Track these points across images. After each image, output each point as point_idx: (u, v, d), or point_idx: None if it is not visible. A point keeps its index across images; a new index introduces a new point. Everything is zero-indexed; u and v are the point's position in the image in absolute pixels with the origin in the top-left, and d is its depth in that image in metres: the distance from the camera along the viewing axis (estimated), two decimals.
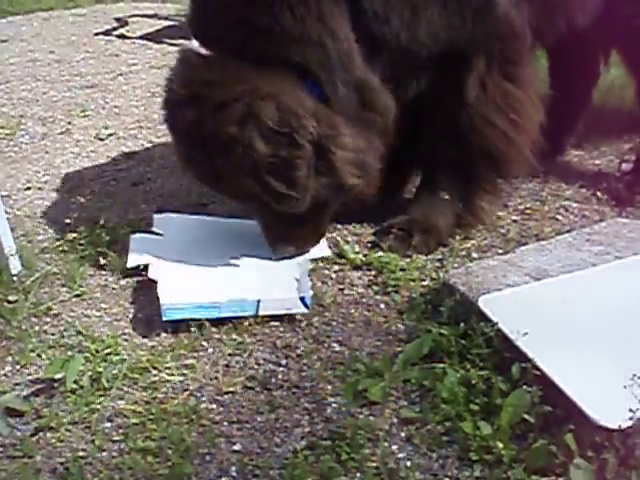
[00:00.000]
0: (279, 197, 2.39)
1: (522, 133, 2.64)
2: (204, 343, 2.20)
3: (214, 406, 1.99)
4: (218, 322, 2.24)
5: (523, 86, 2.64)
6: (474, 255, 2.54)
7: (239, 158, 2.34)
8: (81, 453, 1.88)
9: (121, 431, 1.94)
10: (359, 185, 2.51)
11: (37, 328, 2.30)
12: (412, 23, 2.46)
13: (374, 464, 1.81)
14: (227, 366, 2.11)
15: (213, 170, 2.41)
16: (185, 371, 2.10)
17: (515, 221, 2.72)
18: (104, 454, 1.88)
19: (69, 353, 2.17)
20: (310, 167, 2.40)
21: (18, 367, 2.16)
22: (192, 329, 2.22)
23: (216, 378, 2.07)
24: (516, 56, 2.60)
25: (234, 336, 2.21)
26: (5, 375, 2.14)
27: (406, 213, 2.71)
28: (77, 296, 2.44)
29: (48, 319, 2.34)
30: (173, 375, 2.09)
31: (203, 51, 2.43)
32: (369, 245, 2.62)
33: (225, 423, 1.93)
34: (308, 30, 2.38)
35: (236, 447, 1.87)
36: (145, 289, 2.40)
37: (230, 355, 2.15)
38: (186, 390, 2.04)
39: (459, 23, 2.49)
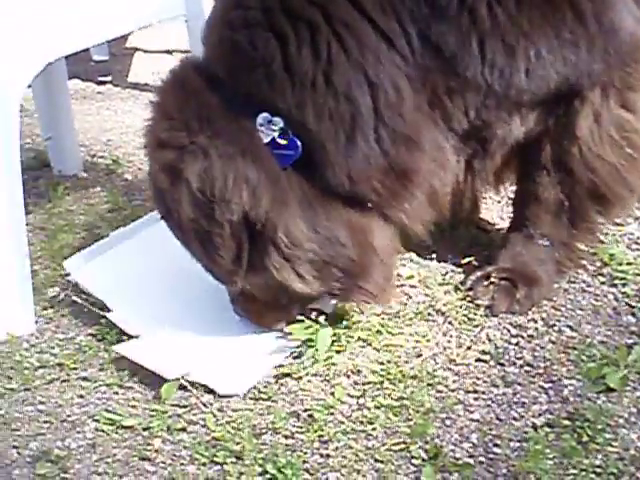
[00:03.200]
0: (204, 267, 2.11)
1: (637, 170, 2.30)
2: (432, 312, 2.25)
3: (448, 374, 2.03)
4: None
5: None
6: None
7: (169, 208, 2.06)
8: (322, 403, 1.97)
9: (358, 387, 2.01)
10: (318, 289, 2.09)
11: None
12: (508, 67, 2.06)
13: (615, 449, 1.81)
14: (458, 337, 2.15)
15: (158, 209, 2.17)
16: (417, 338, 2.15)
17: None
18: (344, 406, 1.96)
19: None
20: (241, 251, 2.02)
21: None
22: (419, 298, 2.30)
23: (449, 348, 2.11)
24: (637, 82, 2.22)
25: (463, 310, 2.25)
26: None
27: (496, 260, 2.35)
28: None
29: None
30: (407, 341, 2.14)
31: (201, 67, 2.11)
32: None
33: (461, 392, 1.97)
34: (334, 77, 1.97)
35: (474, 416, 1.91)
36: None
37: (461, 328, 2.19)
38: (419, 356, 2.09)
39: (573, 56, 2.10)
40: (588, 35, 2.08)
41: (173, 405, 2.01)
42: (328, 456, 1.82)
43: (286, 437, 1.87)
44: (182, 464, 1.84)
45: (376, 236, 2.12)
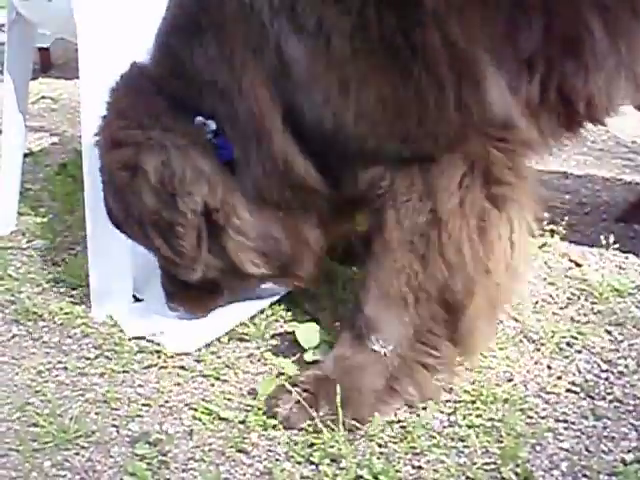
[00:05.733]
0: (164, 258, 2.18)
1: (508, 279, 2.00)
2: (523, 339, 2.28)
3: (539, 401, 2.05)
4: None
5: (511, 213, 1.96)
6: None
7: (129, 204, 2.13)
8: (415, 416, 2.01)
9: (450, 404, 2.04)
10: (265, 273, 2.19)
11: None
12: (339, 103, 1.91)
13: None
14: (549, 367, 2.18)
15: (110, 209, 2.22)
16: (508, 362, 2.19)
17: None
18: (436, 422, 2.00)
19: None
20: (201, 239, 2.10)
21: None
22: (510, 323, 2.33)
23: (539, 376, 2.14)
24: (504, 175, 1.94)
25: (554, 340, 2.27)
26: None
27: (320, 365, 2.05)
28: None
29: None
30: (498, 364, 2.18)
31: (146, 70, 2.17)
32: None
33: (552, 420, 2.00)
34: (217, 77, 2.02)
35: (563, 445, 1.93)
36: None
37: (551, 357, 2.22)
38: (510, 380, 2.12)
39: (415, 115, 1.89)
40: (440, 97, 1.87)
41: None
42: (420, 468, 1.86)
43: (380, 445, 1.92)
44: (277, 460, 1.89)
45: (305, 229, 2.17)
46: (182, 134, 2.08)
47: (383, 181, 1.95)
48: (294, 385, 1.97)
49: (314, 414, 1.91)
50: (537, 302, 2.41)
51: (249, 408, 2.04)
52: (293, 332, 2.24)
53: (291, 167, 2.03)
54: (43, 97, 4.66)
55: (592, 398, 2.08)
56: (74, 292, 2.58)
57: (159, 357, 2.27)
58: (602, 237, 2.65)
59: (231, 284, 2.28)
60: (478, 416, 1.99)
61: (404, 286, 1.95)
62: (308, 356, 2.17)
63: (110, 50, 2.31)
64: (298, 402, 1.94)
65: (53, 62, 5.21)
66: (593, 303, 2.43)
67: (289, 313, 2.40)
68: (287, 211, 2.13)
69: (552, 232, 2.72)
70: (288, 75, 1.95)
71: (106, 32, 2.32)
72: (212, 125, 2.10)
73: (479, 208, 1.91)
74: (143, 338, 2.33)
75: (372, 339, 1.98)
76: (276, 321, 2.38)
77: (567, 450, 1.92)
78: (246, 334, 2.33)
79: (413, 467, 1.87)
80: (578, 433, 1.97)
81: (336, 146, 1.98)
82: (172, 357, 2.26)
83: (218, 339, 2.31)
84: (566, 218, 2.74)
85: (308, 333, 2.19)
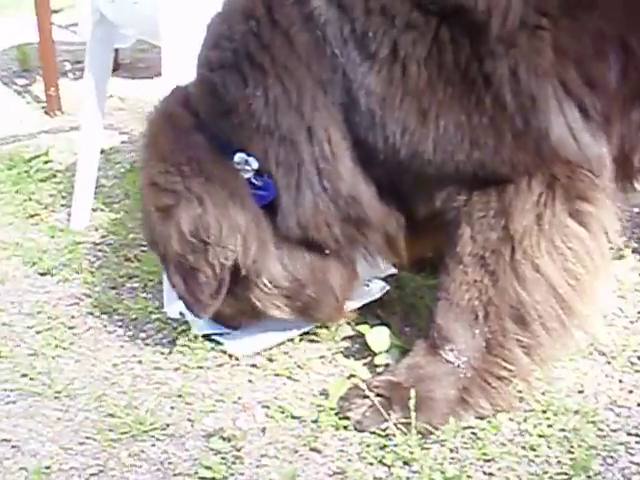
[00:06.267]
0: (180, 296, 2.19)
1: (583, 298, 1.99)
2: (594, 352, 2.27)
3: (610, 414, 2.05)
4: None
5: (592, 229, 1.96)
6: None
7: (158, 236, 2.16)
8: (486, 424, 2.02)
9: (520, 413, 2.05)
10: (285, 314, 2.23)
11: None
12: (418, 132, 1.92)
13: None
14: (620, 381, 2.16)
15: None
16: (579, 374, 2.19)
17: None
18: (506, 429, 2.00)
19: None
20: (222, 288, 2.12)
21: None
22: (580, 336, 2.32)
23: (610, 389, 2.13)
24: (589, 191, 1.95)
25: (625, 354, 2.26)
26: None
27: (392, 370, 2.07)
28: None
29: None
30: (568, 376, 2.18)
31: (189, 104, 2.17)
32: None
33: (623, 433, 1.99)
34: (278, 119, 2.01)
35: (635, 459, 1.93)
36: None
37: (622, 370, 2.19)
38: (581, 392, 2.12)
39: (491, 141, 1.90)
40: (513, 127, 1.89)
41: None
42: (492, 475, 1.88)
43: (451, 450, 1.94)
44: (350, 460, 1.93)
45: (333, 275, 2.20)
46: (221, 183, 2.09)
47: (459, 196, 1.99)
48: (367, 389, 1.99)
49: (387, 418, 1.94)
50: (607, 315, 2.41)
51: (321, 408, 2.07)
52: (364, 335, 2.27)
53: (355, 201, 2.06)
54: (111, 96, 4.76)
55: None
56: (147, 288, 2.64)
57: (230, 356, 2.31)
58: None
59: (245, 317, 2.32)
60: (549, 426, 2.00)
61: (474, 300, 1.98)
62: (379, 360, 2.20)
63: (193, 53, 2.36)
64: (371, 406, 1.97)
65: (120, 62, 5.31)
66: None
67: (359, 316, 2.43)
68: (318, 255, 2.16)
69: (622, 246, 2.72)
70: (358, 107, 1.96)
71: (190, 35, 2.37)
72: (254, 164, 2.09)
73: (560, 224, 1.93)
74: (209, 337, 2.37)
75: (446, 350, 2.00)
76: (347, 324, 2.41)
77: (638, 464, 1.93)
78: (317, 335, 2.36)
79: (484, 473, 1.88)
80: None
81: (410, 173, 2.00)
82: (244, 355, 2.31)
83: (290, 340, 2.35)
84: (636, 231, 2.74)
85: (379, 337, 2.22)
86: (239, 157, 2.10)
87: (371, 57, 1.92)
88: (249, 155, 2.09)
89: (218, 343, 2.35)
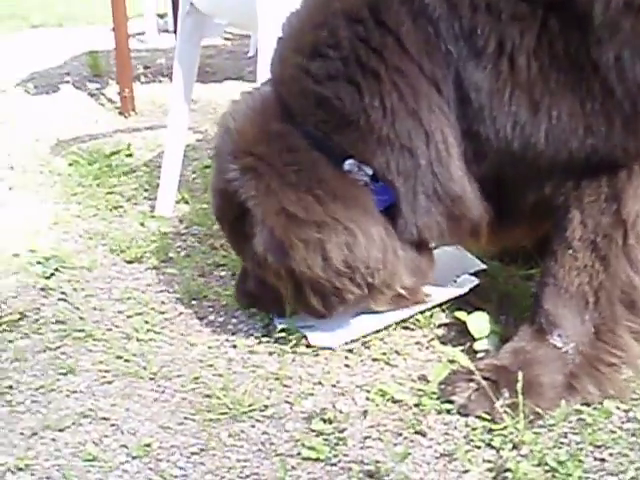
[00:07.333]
0: (305, 305, 2.18)
1: None
2: None
3: None
4: None
5: None
6: None
7: (290, 268, 2.10)
8: (595, 409, 1.97)
9: (628, 400, 2.01)
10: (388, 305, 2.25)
11: None
12: (530, 124, 1.90)
13: None
14: None
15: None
16: None
17: None
18: (614, 417, 1.95)
19: None
20: (356, 301, 2.16)
21: None
22: None
23: None
24: None
25: None
26: None
27: (496, 355, 2.06)
28: None
29: None
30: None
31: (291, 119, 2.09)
32: None
33: None
34: (397, 128, 1.97)
35: None
36: None
37: None
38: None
39: (603, 128, 1.88)
40: (622, 112, 1.87)
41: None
42: (604, 460, 1.83)
43: (560, 435, 1.90)
44: (456, 443, 1.89)
45: (425, 264, 2.21)
46: (353, 201, 2.06)
47: (569, 182, 1.98)
48: (471, 373, 1.96)
49: (495, 401, 1.91)
50: None
51: (421, 393, 2.05)
52: (459, 321, 2.25)
53: (461, 200, 2.06)
54: None
55: None
56: (236, 277, 2.64)
57: None
58: None
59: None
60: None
61: (585, 285, 1.96)
62: (478, 345, 2.17)
63: None
64: (477, 390, 1.94)
65: None
66: None
67: (452, 305, 2.40)
68: (424, 250, 2.18)
69: None
70: (468, 104, 1.95)
71: None
72: (369, 170, 2.07)
73: None
74: (289, 329, 2.34)
75: (554, 334, 1.98)
76: (442, 311, 2.38)
77: None
78: (412, 322, 2.34)
79: (595, 459, 1.83)
80: None
81: (522, 164, 1.98)
82: (326, 347, 2.28)
83: (386, 327, 2.33)
84: None
85: (479, 322, 2.19)
86: (349, 164, 2.08)
87: (479, 53, 1.91)
88: (361, 162, 2.07)
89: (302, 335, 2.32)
